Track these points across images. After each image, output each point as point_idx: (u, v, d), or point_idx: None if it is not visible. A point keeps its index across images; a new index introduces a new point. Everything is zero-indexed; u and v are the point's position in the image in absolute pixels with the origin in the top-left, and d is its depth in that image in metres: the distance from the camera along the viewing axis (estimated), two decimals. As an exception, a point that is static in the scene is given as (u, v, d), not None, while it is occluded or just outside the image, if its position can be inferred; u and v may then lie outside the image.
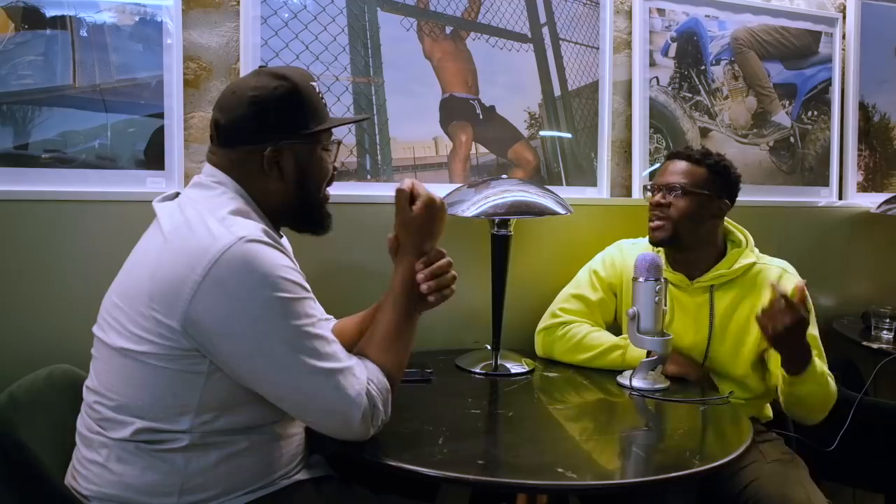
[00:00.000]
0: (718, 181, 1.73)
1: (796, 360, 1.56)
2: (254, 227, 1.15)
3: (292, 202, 1.27)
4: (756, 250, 1.79)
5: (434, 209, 1.27)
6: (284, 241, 1.33)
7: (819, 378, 1.58)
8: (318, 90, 1.27)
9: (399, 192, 1.28)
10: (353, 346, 1.26)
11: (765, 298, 1.68)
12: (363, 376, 1.18)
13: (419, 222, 1.27)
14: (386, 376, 1.22)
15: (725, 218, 1.80)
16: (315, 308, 1.19)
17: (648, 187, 1.80)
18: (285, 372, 1.12)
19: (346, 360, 1.17)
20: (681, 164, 1.75)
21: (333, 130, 1.32)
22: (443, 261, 1.29)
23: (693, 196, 1.71)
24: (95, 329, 1.22)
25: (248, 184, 1.23)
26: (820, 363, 1.60)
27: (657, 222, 1.73)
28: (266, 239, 1.14)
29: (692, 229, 1.72)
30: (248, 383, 1.14)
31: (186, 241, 1.13)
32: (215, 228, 1.13)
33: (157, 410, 1.13)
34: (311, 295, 1.19)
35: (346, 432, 1.17)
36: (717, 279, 1.74)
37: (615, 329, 1.85)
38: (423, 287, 1.26)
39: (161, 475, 1.12)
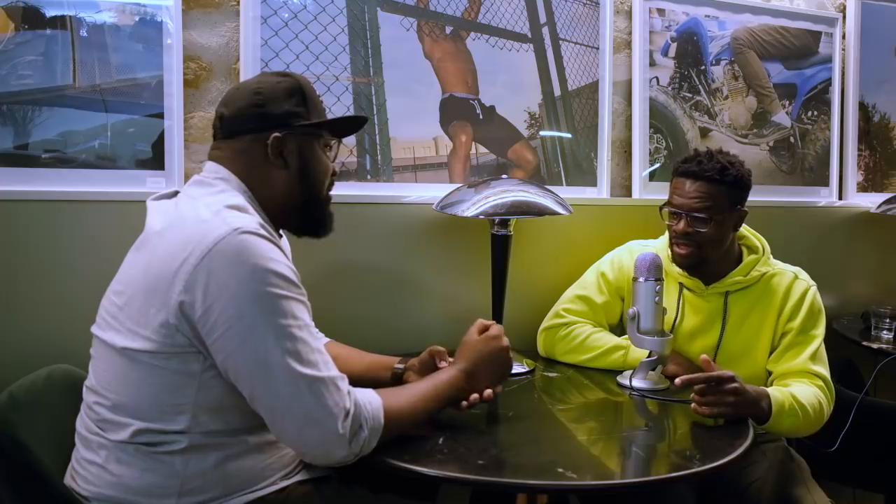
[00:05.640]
0: (739, 193, 1.67)
1: (754, 418, 1.47)
2: (250, 220, 1.14)
3: (295, 194, 1.27)
4: (771, 257, 1.76)
5: (492, 344, 1.36)
6: (284, 241, 1.33)
7: (790, 411, 1.51)
8: (316, 92, 1.30)
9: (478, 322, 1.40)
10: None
11: (775, 306, 1.68)
12: (347, 390, 1.13)
13: (478, 347, 1.36)
14: (384, 413, 1.16)
15: None
16: (305, 312, 1.14)
17: (668, 210, 1.69)
18: (263, 371, 1.08)
19: (329, 371, 1.12)
20: (702, 187, 1.63)
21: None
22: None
23: (719, 220, 1.64)
24: (94, 328, 1.22)
25: (253, 174, 1.23)
26: (790, 398, 1.52)
27: (685, 249, 1.67)
28: (262, 232, 1.13)
29: (719, 248, 1.68)
30: (233, 380, 1.11)
31: (180, 233, 1.13)
32: (210, 220, 1.12)
33: (154, 411, 1.12)
34: (304, 296, 1.15)
35: (322, 448, 1.11)
36: (733, 286, 1.71)
37: (619, 331, 1.84)
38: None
39: (160, 477, 1.12)
